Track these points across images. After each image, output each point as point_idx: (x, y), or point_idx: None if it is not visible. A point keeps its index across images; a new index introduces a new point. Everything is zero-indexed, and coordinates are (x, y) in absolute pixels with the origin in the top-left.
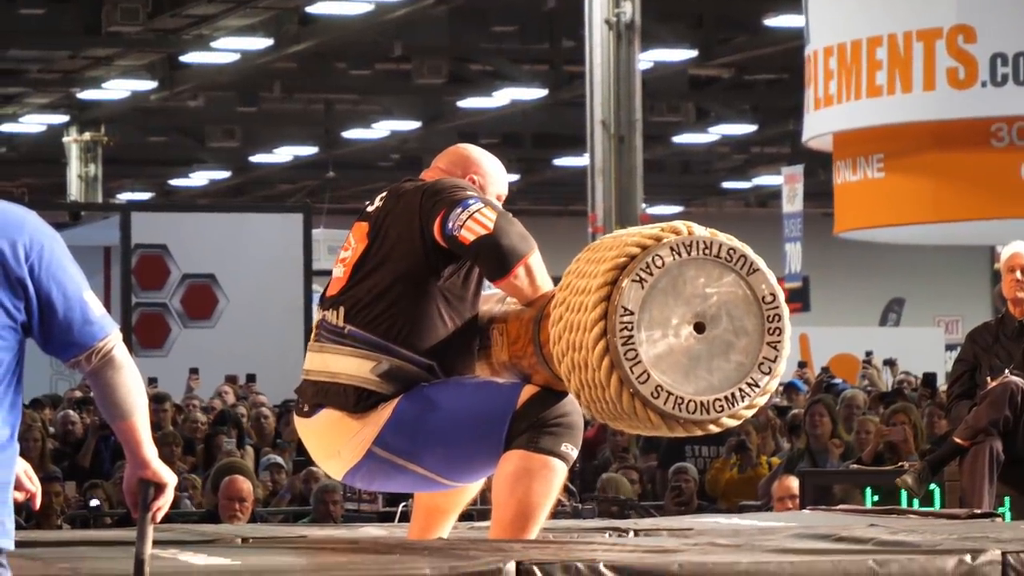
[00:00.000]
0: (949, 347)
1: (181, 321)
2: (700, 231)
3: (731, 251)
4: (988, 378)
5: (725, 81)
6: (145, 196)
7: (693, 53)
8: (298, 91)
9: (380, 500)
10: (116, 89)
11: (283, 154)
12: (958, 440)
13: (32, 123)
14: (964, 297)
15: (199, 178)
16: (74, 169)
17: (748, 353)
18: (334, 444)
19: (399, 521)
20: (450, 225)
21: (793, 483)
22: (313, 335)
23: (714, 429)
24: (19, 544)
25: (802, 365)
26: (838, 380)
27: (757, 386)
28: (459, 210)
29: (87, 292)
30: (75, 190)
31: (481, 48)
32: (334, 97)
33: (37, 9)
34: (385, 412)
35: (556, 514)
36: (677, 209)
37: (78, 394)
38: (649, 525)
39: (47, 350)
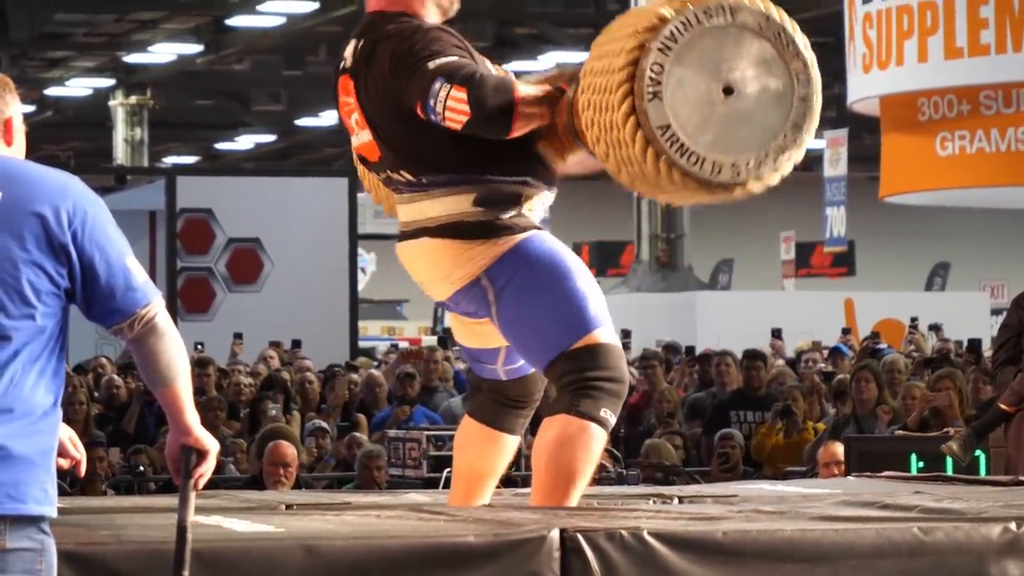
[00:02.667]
0: (995, 312)
1: (226, 286)
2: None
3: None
4: None
5: None
6: (191, 160)
7: None
8: None
9: (424, 466)
10: (162, 52)
11: (329, 118)
12: (1003, 406)
13: (78, 87)
14: (1009, 261)
15: (245, 142)
16: (120, 133)
17: (784, 90)
18: (444, 267)
19: (444, 487)
20: (433, 117)
21: (838, 449)
22: (385, 190)
23: (777, 178)
24: (62, 511)
25: (846, 331)
26: (884, 345)
27: (803, 124)
28: (431, 101)
29: (130, 258)
30: (121, 154)
31: (526, 11)
32: None
33: None
34: (502, 246)
35: (600, 480)
36: None
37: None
38: (693, 492)
39: (90, 316)
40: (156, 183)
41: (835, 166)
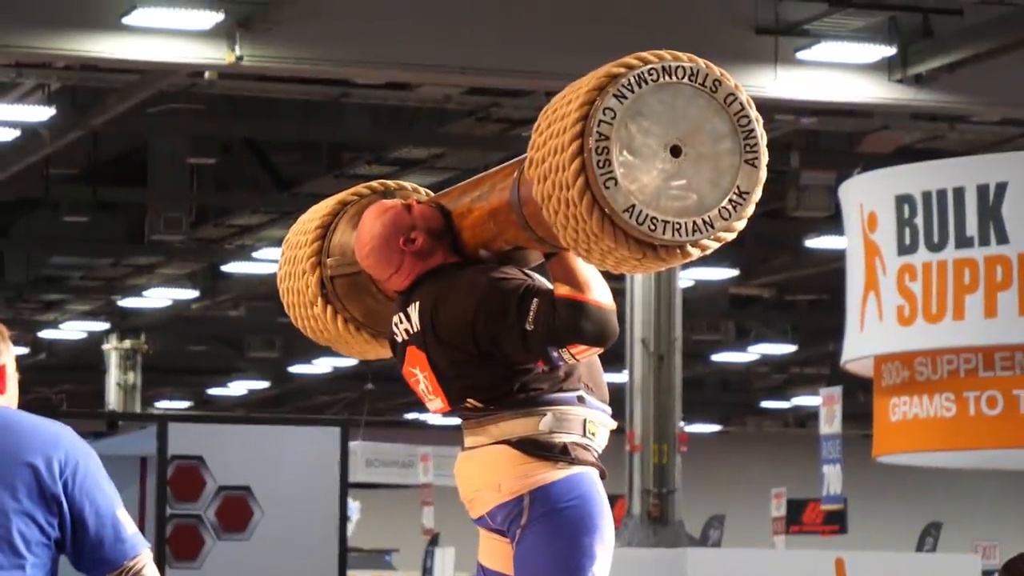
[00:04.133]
0: (986, 573)
1: (215, 533)
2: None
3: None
4: None
5: (765, 301)
6: (183, 404)
7: (734, 272)
8: None
9: None
10: (157, 297)
11: (322, 365)
12: None
13: (72, 330)
14: (1002, 522)
15: (237, 388)
16: (113, 377)
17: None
18: (498, 476)
19: None
20: (563, 364)
21: None
22: (459, 422)
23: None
24: None
25: None
26: None
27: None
28: (560, 362)
29: (120, 509)
30: (113, 398)
31: None
32: None
33: (81, 217)
34: (557, 473)
35: None
36: (715, 427)
37: None
38: None
39: (78, 567)
40: (148, 429)
41: (831, 424)
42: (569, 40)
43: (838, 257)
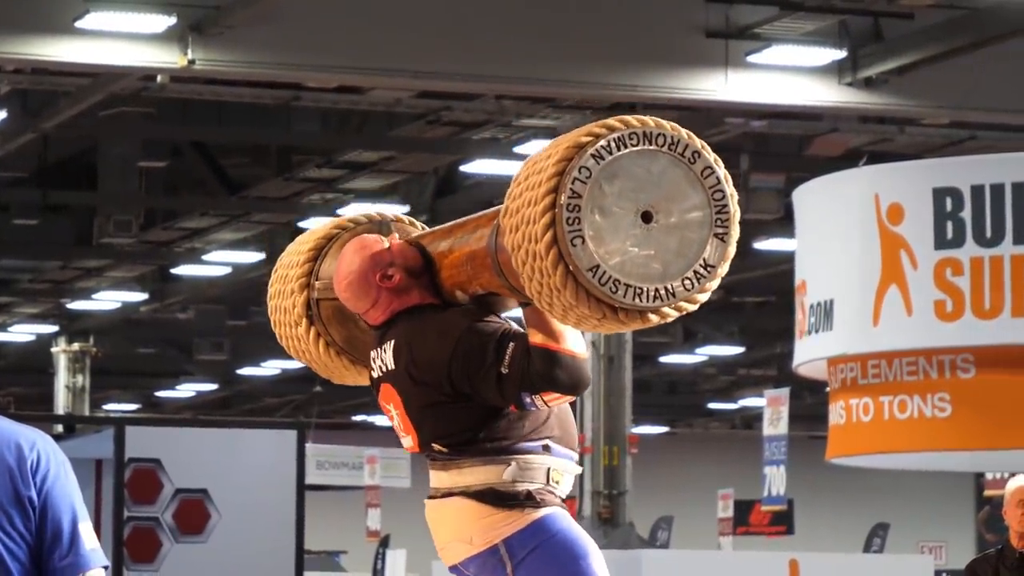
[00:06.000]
0: (937, 574)
1: (173, 536)
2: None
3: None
4: None
5: (713, 303)
6: (131, 407)
7: None
8: None
9: None
10: (106, 300)
11: (271, 367)
12: None
13: (21, 332)
14: (948, 522)
15: (186, 390)
16: (61, 379)
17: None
18: (468, 530)
19: None
20: (534, 409)
21: None
22: (427, 459)
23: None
24: None
25: None
26: None
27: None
28: (532, 408)
29: (83, 523)
30: (62, 400)
31: None
32: None
33: (30, 219)
34: (525, 518)
35: None
36: (663, 429)
37: None
38: None
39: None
40: (104, 432)
41: (775, 425)
42: (519, 45)
43: (786, 259)
